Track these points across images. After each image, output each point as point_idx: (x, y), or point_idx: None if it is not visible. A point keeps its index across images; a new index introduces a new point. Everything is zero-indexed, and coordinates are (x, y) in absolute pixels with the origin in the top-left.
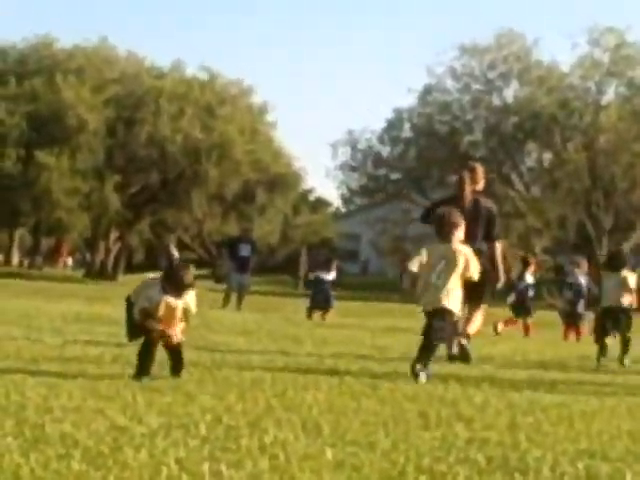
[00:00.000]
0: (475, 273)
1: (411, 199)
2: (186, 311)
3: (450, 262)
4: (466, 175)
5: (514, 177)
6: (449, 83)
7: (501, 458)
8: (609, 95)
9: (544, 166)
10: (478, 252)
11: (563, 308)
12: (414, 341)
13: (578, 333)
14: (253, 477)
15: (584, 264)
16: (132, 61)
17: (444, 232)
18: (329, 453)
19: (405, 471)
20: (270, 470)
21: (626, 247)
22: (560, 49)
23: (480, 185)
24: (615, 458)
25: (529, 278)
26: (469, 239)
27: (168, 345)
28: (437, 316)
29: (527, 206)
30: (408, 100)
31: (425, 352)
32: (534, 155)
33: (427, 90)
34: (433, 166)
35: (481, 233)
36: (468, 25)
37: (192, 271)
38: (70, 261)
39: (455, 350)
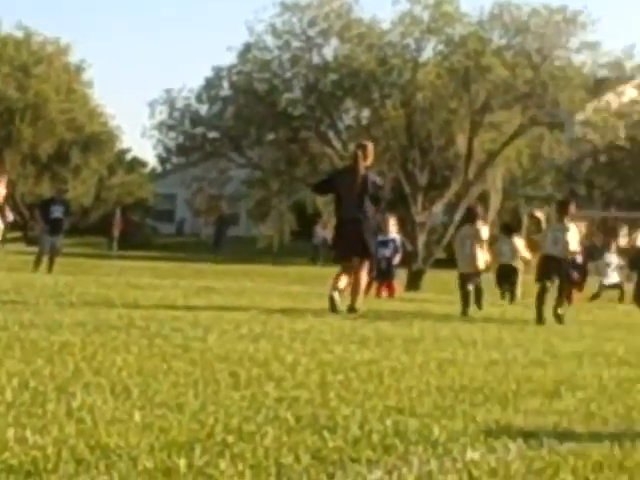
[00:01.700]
0: (574, 243)
1: (228, 158)
2: None
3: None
4: (359, 152)
5: (332, 135)
6: (269, 40)
7: (310, 416)
8: (427, 52)
9: (362, 124)
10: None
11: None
12: (227, 301)
13: (391, 288)
14: (58, 442)
15: (392, 222)
16: None
17: (560, 215)
18: (137, 416)
19: (213, 432)
20: (76, 435)
21: (440, 204)
22: (382, 6)
23: (369, 160)
24: (423, 413)
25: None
26: (358, 206)
27: None
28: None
29: (344, 164)
30: (228, 59)
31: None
32: (352, 113)
33: (247, 48)
34: (251, 124)
35: (368, 201)
36: None
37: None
38: None
39: None
